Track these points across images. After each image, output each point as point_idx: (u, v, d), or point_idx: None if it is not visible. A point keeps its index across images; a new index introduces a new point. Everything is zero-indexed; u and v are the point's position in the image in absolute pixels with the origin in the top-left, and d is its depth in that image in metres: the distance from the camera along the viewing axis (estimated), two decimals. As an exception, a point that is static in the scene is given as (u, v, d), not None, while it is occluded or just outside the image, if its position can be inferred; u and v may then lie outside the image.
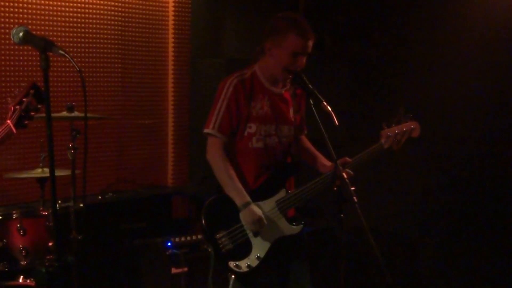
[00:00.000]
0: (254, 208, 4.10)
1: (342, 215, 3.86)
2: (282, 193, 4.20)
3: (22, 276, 4.83)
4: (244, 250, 4.14)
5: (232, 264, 4.12)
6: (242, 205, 4.10)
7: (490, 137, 5.70)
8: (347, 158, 4.22)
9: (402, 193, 6.13)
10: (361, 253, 5.18)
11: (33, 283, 4.83)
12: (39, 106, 3.85)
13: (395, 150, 4.27)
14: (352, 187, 3.80)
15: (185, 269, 5.57)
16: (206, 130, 4.20)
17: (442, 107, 5.84)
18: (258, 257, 4.14)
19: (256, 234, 4.15)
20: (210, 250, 4.17)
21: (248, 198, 4.12)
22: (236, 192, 4.13)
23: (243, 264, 4.12)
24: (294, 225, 4.24)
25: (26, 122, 3.71)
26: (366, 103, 6.46)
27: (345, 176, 3.87)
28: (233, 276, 4.14)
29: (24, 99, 3.67)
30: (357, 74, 6.59)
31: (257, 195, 4.17)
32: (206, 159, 4.23)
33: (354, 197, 3.74)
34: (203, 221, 4.16)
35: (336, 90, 6.42)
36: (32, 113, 3.71)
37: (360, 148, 4.26)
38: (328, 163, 4.31)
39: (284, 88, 4.31)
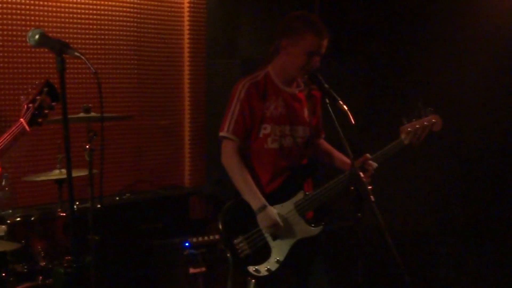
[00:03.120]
0: (270, 211, 4.09)
1: (359, 215, 3.85)
2: (300, 195, 4.19)
3: (41, 277, 4.85)
4: (263, 254, 4.14)
5: (251, 268, 4.11)
6: (258, 208, 4.09)
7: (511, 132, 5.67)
8: (368, 155, 4.20)
9: (420, 191, 6.10)
10: (378, 252, 5.16)
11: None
12: (53, 104, 3.84)
13: (415, 145, 4.24)
14: (369, 186, 3.79)
15: (203, 269, 5.58)
16: (221, 133, 4.21)
17: (461, 103, 5.81)
18: (277, 261, 4.13)
19: (275, 238, 4.14)
20: (228, 255, 4.16)
21: (264, 201, 4.11)
22: (252, 195, 4.12)
23: (263, 268, 4.11)
24: (313, 227, 4.22)
25: (40, 120, 3.71)
26: (382, 102, 6.44)
27: (362, 175, 3.85)
28: (252, 280, 4.14)
29: (37, 97, 3.68)
30: (373, 72, 6.56)
31: (275, 198, 4.17)
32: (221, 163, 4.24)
33: (371, 196, 3.73)
34: (220, 227, 4.16)
35: (352, 88, 6.41)
36: (46, 111, 3.71)
37: (378, 145, 4.25)
38: (348, 160, 4.27)
39: (298, 88, 4.31)
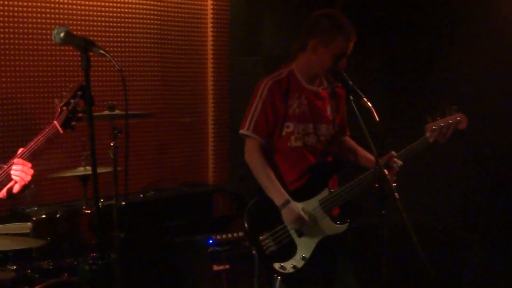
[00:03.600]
0: (294, 206, 4.09)
1: (383, 212, 3.84)
2: (325, 193, 4.18)
3: (66, 274, 4.88)
4: (289, 251, 4.14)
5: (277, 265, 4.11)
6: (281, 204, 4.09)
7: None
8: (393, 152, 4.19)
9: (445, 188, 6.08)
10: (403, 249, 5.15)
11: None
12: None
13: (441, 143, 4.22)
14: (394, 183, 3.78)
15: (227, 266, 5.58)
16: (241, 131, 4.22)
17: (483, 100, 5.78)
18: (303, 258, 4.13)
19: (300, 234, 4.14)
20: (254, 252, 4.16)
21: (287, 197, 4.11)
22: (275, 192, 4.12)
23: (288, 265, 4.12)
24: (338, 224, 4.22)
25: (73, 123, 3.73)
26: (406, 98, 6.42)
27: (387, 172, 3.84)
28: (278, 277, 4.14)
29: (71, 101, 3.69)
30: (396, 69, 6.55)
31: (300, 195, 4.17)
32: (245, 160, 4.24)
33: (396, 193, 3.72)
34: (245, 224, 4.16)
35: (376, 85, 6.39)
36: (80, 115, 3.73)
37: (403, 142, 4.23)
38: (373, 158, 4.26)
39: (321, 87, 4.30)
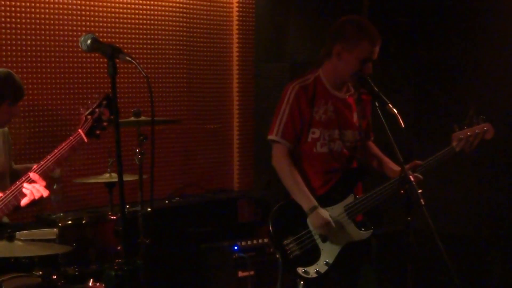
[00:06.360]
0: (322, 211, 4.09)
1: (409, 218, 3.82)
2: (350, 198, 4.18)
3: (92, 280, 4.90)
4: (312, 256, 4.14)
5: (300, 270, 4.12)
6: (309, 209, 4.10)
7: None
8: (417, 161, 4.17)
9: (471, 195, 6.03)
10: (429, 256, 5.12)
11: (102, 286, 4.90)
12: (111, 117, 3.89)
13: (467, 152, 4.20)
14: (419, 189, 3.76)
15: (252, 272, 5.58)
16: (269, 137, 4.23)
17: (510, 108, 5.74)
18: (326, 263, 4.12)
19: (324, 240, 4.14)
20: (278, 256, 4.17)
21: (315, 202, 4.11)
22: (303, 197, 4.13)
23: (312, 270, 4.12)
24: (363, 230, 4.21)
25: (98, 132, 3.75)
26: (431, 105, 6.39)
27: (413, 179, 3.82)
28: (301, 282, 4.14)
29: (96, 110, 3.72)
30: (422, 76, 6.51)
31: (325, 201, 4.17)
32: (271, 164, 4.24)
33: (421, 200, 3.70)
34: (270, 228, 4.17)
35: (401, 92, 6.37)
36: (105, 124, 3.75)
37: (428, 148, 4.21)
38: (396, 167, 4.26)
39: (348, 93, 4.29)
